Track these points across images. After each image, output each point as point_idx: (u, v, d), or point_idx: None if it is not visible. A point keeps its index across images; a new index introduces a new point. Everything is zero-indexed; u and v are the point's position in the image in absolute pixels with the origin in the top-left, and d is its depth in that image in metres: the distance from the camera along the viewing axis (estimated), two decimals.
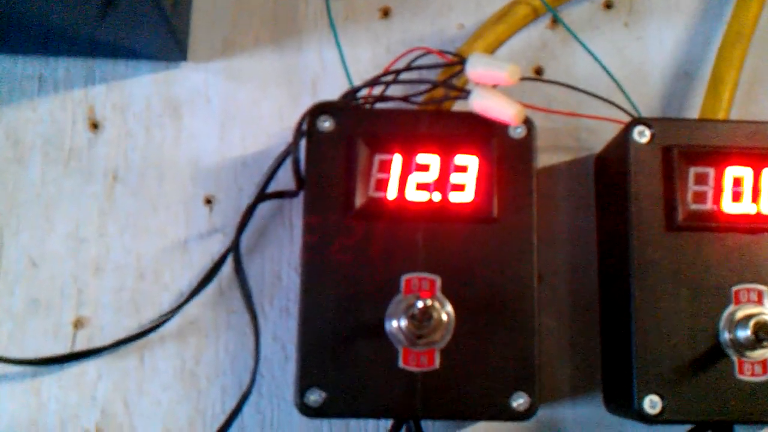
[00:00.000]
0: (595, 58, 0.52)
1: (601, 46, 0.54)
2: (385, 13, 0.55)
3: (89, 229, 0.51)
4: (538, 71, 0.54)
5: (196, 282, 0.49)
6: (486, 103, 0.44)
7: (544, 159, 0.53)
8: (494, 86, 0.46)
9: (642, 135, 0.47)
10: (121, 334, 0.49)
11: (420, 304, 0.42)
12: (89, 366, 0.49)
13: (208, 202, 0.51)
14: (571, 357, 0.51)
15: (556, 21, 0.54)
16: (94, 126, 0.52)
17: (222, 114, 0.53)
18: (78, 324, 0.50)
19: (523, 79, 0.50)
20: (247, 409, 0.48)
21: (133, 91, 0.53)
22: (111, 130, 0.52)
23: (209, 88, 0.53)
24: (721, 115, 0.50)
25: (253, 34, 0.54)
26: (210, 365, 0.49)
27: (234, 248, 0.48)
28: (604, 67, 0.51)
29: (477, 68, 0.45)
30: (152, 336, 0.49)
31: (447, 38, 0.54)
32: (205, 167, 0.52)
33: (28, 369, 0.48)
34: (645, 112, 0.53)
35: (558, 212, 0.52)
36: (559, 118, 0.52)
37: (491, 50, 0.51)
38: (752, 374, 0.44)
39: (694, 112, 0.53)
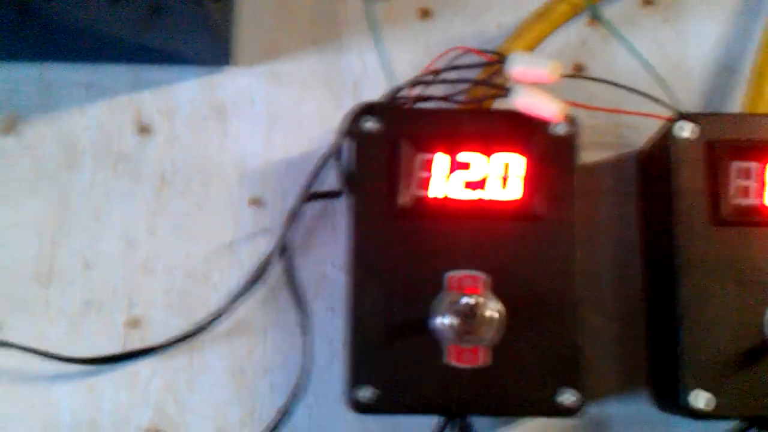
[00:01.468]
0: (636, 53, 0.52)
1: (641, 43, 0.54)
2: (425, 13, 0.55)
3: (139, 231, 0.52)
4: (579, 69, 0.54)
5: (244, 282, 0.50)
6: (528, 101, 0.45)
7: (586, 156, 0.53)
8: (535, 84, 0.46)
9: (685, 130, 0.47)
10: (172, 334, 0.50)
11: (466, 301, 0.42)
12: (142, 365, 0.50)
13: (254, 203, 0.52)
14: (617, 354, 0.51)
15: (594, 18, 0.55)
16: (142, 130, 0.53)
17: (266, 117, 0.54)
18: (130, 324, 0.51)
19: (564, 76, 0.50)
20: (301, 406, 0.49)
21: (179, 96, 0.54)
22: (158, 134, 0.53)
23: (253, 91, 0.54)
24: (763, 110, 0.50)
25: (295, 37, 0.55)
26: (259, 364, 0.50)
27: (282, 247, 0.49)
28: (645, 61, 0.51)
29: (518, 66, 0.45)
30: (202, 335, 0.50)
31: (486, 38, 0.54)
32: (250, 169, 0.53)
33: (83, 368, 0.50)
34: (686, 108, 0.53)
35: (602, 209, 0.52)
36: (600, 114, 0.52)
37: (530, 48, 0.51)
38: None
39: (735, 107, 0.53)
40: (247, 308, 0.51)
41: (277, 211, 0.52)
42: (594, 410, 0.50)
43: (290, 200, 0.51)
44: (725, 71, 0.54)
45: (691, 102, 0.54)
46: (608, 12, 0.55)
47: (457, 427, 0.46)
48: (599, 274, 0.51)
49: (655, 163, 0.50)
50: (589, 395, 0.47)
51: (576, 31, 0.55)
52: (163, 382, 0.50)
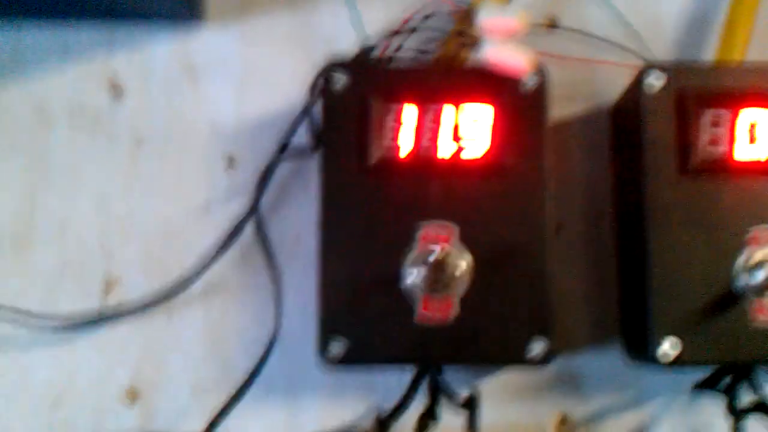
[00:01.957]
0: (609, 4, 0.51)
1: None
2: None
3: (114, 193, 0.52)
4: (552, 21, 0.54)
5: (220, 242, 0.50)
6: (497, 52, 0.45)
7: (559, 110, 0.53)
8: (505, 36, 0.46)
9: (656, 79, 0.47)
10: (150, 295, 0.51)
11: (436, 252, 0.43)
12: (120, 327, 0.51)
13: (230, 163, 0.52)
14: (589, 307, 0.51)
15: None
16: (116, 91, 0.53)
17: (239, 76, 0.53)
18: (107, 285, 0.51)
19: (536, 26, 0.50)
20: (272, 364, 0.50)
21: (152, 56, 0.53)
22: (132, 95, 0.53)
23: (226, 50, 0.54)
24: (736, 58, 0.50)
25: None
26: (234, 323, 0.51)
27: (254, 209, 0.49)
28: (618, 12, 0.51)
29: (487, 16, 0.45)
30: (179, 298, 0.51)
31: None
32: (224, 129, 0.53)
33: (62, 331, 0.50)
34: (661, 58, 0.53)
35: (575, 162, 0.52)
36: (574, 68, 0.52)
37: (504, 1, 0.51)
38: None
39: (709, 58, 0.53)
40: (222, 269, 0.51)
41: (251, 171, 0.52)
42: (565, 364, 0.50)
43: (265, 160, 0.51)
44: (699, 22, 0.54)
45: (665, 53, 0.53)
46: None
47: (429, 378, 0.46)
48: (572, 226, 0.52)
49: (625, 115, 0.50)
50: (560, 347, 0.48)
51: None
52: (140, 343, 0.51)
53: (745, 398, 0.46)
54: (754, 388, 0.46)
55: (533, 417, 0.50)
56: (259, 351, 0.49)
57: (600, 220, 0.52)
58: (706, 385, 0.47)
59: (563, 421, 0.50)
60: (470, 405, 0.43)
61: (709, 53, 0.53)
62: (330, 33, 0.54)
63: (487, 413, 0.49)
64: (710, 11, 0.54)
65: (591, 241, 0.52)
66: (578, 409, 0.50)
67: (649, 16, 0.54)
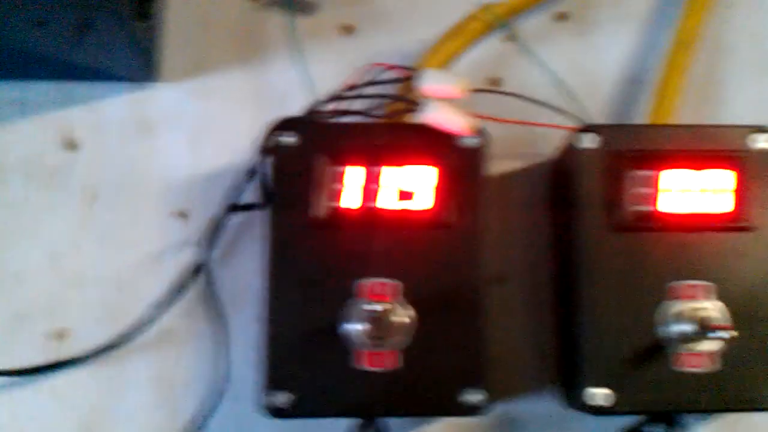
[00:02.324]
0: (546, 67, 0.54)
1: (556, 56, 0.57)
2: (347, 29, 0.57)
3: (68, 244, 0.53)
4: (495, 82, 0.57)
5: (170, 293, 0.52)
6: (436, 115, 0.47)
7: (502, 165, 0.55)
8: (446, 99, 0.48)
9: (587, 141, 0.49)
10: (102, 344, 0.52)
11: (373, 308, 0.45)
12: (71, 375, 0.52)
13: (182, 215, 0.54)
14: (530, 355, 0.53)
15: (513, 31, 0.57)
16: (71, 145, 0.55)
17: (192, 131, 0.55)
18: (58, 336, 0.52)
19: (479, 90, 0.53)
20: (222, 412, 0.51)
21: (108, 112, 0.55)
22: (86, 149, 0.55)
23: (180, 106, 0.56)
24: (667, 119, 0.53)
25: (221, 53, 0.56)
26: (186, 372, 0.52)
27: (204, 261, 0.51)
28: (554, 76, 0.54)
29: (427, 82, 0.47)
30: (130, 346, 0.52)
31: (407, 53, 0.56)
32: (176, 183, 0.55)
33: (10, 380, 0.51)
34: (598, 118, 0.56)
35: (515, 216, 0.55)
36: (516, 126, 0.54)
37: (445, 64, 0.54)
38: (691, 366, 0.47)
39: (642, 118, 0.56)
40: (174, 318, 0.52)
41: (202, 223, 0.53)
42: (507, 409, 0.52)
43: (215, 213, 0.53)
44: (635, 83, 0.57)
45: (602, 113, 0.56)
46: (524, 27, 0.57)
47: (373, 428, 0.48)
48: (514, 278, 0.54)
49: (561, 172, 0.52)
50: (499, 394, 0.50)
51: (493, 46, 0.57)
52: (89, 392, 0.52)
53: None
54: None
55: None
56: (209, 399, 0.50)
57: (540, 271, 0.54)
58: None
59: None
60: None
61: (642, 112, 0.56)
62: (281, 92, 0.56)
63: None
64: (644, 72, 0.57)
65: (533, 291, 0.54)
66: None
67: (587, 76, 0.57)
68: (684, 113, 0.55)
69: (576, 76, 0.56)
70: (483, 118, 0.51)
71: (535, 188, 0.55)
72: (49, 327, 0.52)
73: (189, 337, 0.52)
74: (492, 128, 0.51)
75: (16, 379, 0.51)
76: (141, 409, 0.51)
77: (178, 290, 0.51)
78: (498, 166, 0.55)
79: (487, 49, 0.57)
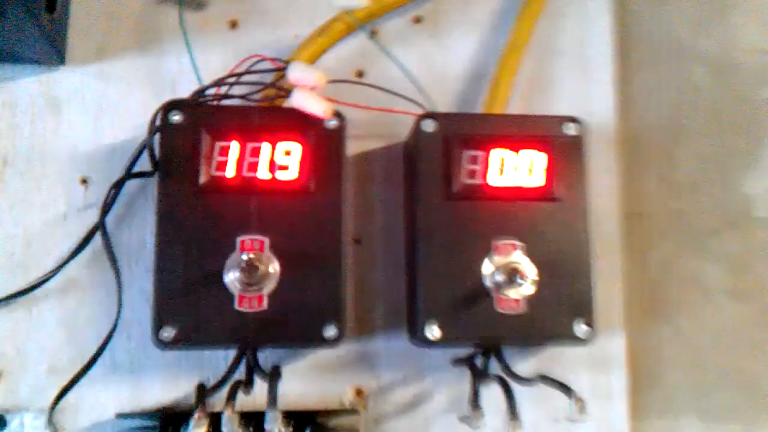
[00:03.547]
0: (399, 64, 0.65)
1: (413, 53, 0.67)
2: (233, 24, 0.66)
3: None
4: (360, 74, 0.67)
5: (74, 247, 0.60)
6: (300, 101, 0.57)
7: (365, 145, 0.65)
8: (313, 88, 0.58)
9: (429, 126, 0.60)
10: (12, 291, 0.60)
11: (247, 258, 0.54)
12: None
13: (84, 182, 0.62)
14: (385, 301, 0.63)
15: (375, 32, 0.67)
16: None
17: (96, 109, 0.64)
18: None
19: (339, 81, 0.63)
20: (118, 349, 0.60)
21: (20, 91, 0.63)
22: (2, 123, 0.62)
23: (84, 87, 0.64)
24: (498, 110, 0.64)
25: (123, 42, 0.65)
26: (88, 313, 0.60)
27: (100, 222, 0.59)
28: (406, 71, 0.64)
29: (293, 74, 0.57)
30: (38, 292, 0.60)
31: (285, 46, 0.66)
32: (82, 153, 0.63)
33: None
34: (444, 108, 0.66)
35: (375, 188, 0.65)
36: (378, 112, 0.64)
37: (315, 58, 0.63)
38: (508, 308, 0.58)
39: (481, 108, 0.67)
40: (77, 270, 0.61)
41: (103, 189, 0.61)
42: (363, 346, 0.63)
43: (114, 180, 0.61)
44: (475, 78, 0.68)
45: (448, 103, 0.67)
46: (385, 28, 0.68)
47: (249, 357, 0.57)
48: (372, 239, 0.64)
49: (409, 151, 0.63)
50: (357, 333, 0.60)
51: (359, 42, 0.67)
52: (4, 332, 0.60)
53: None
54: (501, 362, 0.59)
55: (335, 389, 0.62)
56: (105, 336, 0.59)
57: (395, 234, 0.64)
58: (461, 360, 0.60)
59: (359, 393, 0.62)
60: (272, 377, 0.55)
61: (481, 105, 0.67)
62: (173, 77, 0.65)
63: (296, 386, 0.61)
64: (485, 68, 0.68)
65: (388, 250, 0.64)
66: (372, 382, 0.63)
67: (438, 71, 0.67)
68: (516, 105, 0.67)
69: (429, 71, 0.67)
70: (346, 105, 0.61)
71: (392, 165, 0.65)
72: None
73: (90, 286, 0.61)
74: (356, 114, 0.61)
75: None
76: (49, 347, 0.60)
77: (80, 246, 0.60)
78: (362, 145, 0.65)
79: (354, 45, 0.67)
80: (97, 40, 0.65)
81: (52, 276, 0.60)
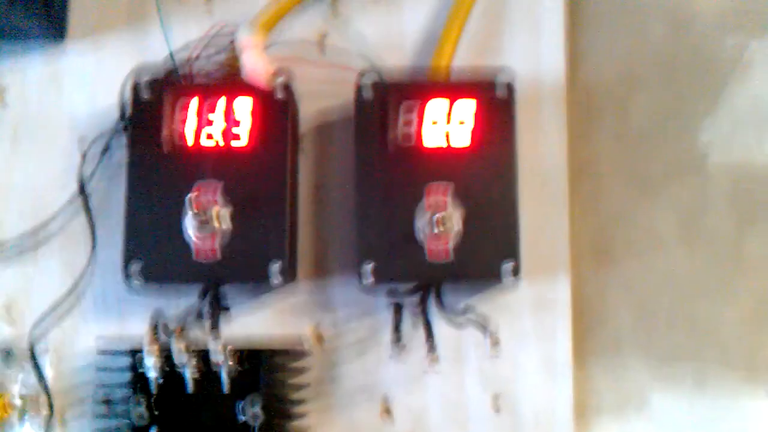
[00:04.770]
0: (350, 31, 0.71)
1: (372, 21, 0.73)
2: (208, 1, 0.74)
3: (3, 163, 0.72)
4: (322, 37, 0.73)
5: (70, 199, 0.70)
6: (248, 61, 0.64)
7: (324, 102, 0.72)
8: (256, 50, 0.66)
9: (368, 79, 0.66)
10: (22, 237, 0.71)
11: (201, 203, 0.62)
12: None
13: (81, 141, 0.72)
14: (341, 245, 0.70)
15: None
16: (2, 90, 0.73)
17: (92, 79, 0.73)
18: None
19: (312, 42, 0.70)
20: (109, 290, 0.70)
21: (27, 64, 0.73)
22: (13, 93, 0.73)
23: (82, 60, 0.73)
24: (443, 66, 0.69)
25: (115, 19, 0.74)
26: (84, 260, 0.70)
27: (79, 174, 0.69)
28: (360, 36, 0.71)
29: (239, 37, 0.65)
30: (43, 240, 0.71)
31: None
32: (79, 117, 0.73)
33: None
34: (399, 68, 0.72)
35: (333, 141, 0.72)
36: (336, 72, 0.71)
37: (274, 22, 0.70)
38: (437, 255, 0.64)
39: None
40: (77, 221, 0.71)
41: (97, 148, 0.71)
42: (319, 286, 0.69)
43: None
44: (430, 41, 0.73)
45: (402, 64, 0.72)
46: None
47: (211, 294, 0.65)
48: (329, 188, 0.71)
49: (356, 105, 0.69)
50: (314, 276, 0.68)
51: (322, 9, 0.73)
52: (14, 276, 0.71)
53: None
54: (438, 298, 0.65)
55: (295, 328, 0.69)
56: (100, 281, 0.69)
57: (347, 182, 0.70)
58: (390, 293, 0.66)
59: (316, 328, 0.69)
60: (215, 308, 0.63)
61: None
62: (158, 47, 0.73)
63: (259, 326, 0.68)
64: (437, 34, 0.73)
65: (344, 196, 0.70)
66: (327, 320, 0.69)
67: (394, 37, 0.73)
68: (465, 63, 0.71)
69: (386, 37, 0.72)
70: (307, 63, 0.69)
71: (347, 120, 0.71)
72: None
73: (84, 235, 0.71)
74: (318, 74, 0.68)
75: None
76: (52, 286, 0.70)
77: (71, 199, 0.70)
78: (322, 101, 0.72)
79: (320, 12, 0.73)
80: (94, 18, 0.74)
81: (49, 223, 0.70)
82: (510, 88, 0.65)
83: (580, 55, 0.74)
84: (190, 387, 0.62)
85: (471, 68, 0.69)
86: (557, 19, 0.73)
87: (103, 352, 0.67)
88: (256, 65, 0.64)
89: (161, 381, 0.63)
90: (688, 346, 0.71)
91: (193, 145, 0.66)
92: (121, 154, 0.71)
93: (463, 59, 0.71)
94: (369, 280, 0.64)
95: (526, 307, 0.69)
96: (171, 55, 0.69)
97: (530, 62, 0.72)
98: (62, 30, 0.74)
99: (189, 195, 0.63)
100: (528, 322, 0.69)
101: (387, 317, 0.69)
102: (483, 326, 0.60)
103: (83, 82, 0.73)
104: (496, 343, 0.60)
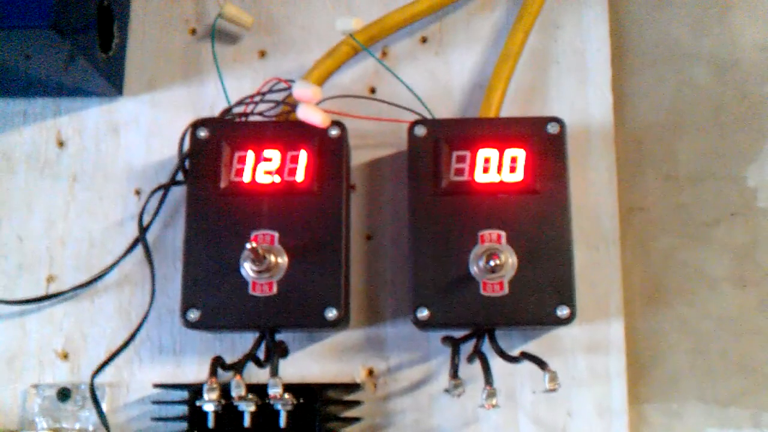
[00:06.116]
0: (401, 81, 0.73)
1: (419, 70, 0.75)
2: (262, 54, 0.77)
3: (58, 215, 0.74)
4: (372, 90, 0.75)
5: (126, 248, 0.72)
6: (303, 114, 0.66)
7: (376, 152, 0.74)
8: (317, 103, 0.67)
9: (420, 130, 0.68)
10: (79, 284, 0.72)
11: (254, 249, 0.63)
12: (57, 307, 0.72)
13: (137, 193, 0.74)
14: (394, 290, 0.71)
15: (386, 52, 0.75)
16: (60, 144, 0.75)
17: (147, 131, 0.75)
18: (50, 279, 0.72)
19: (351, 96, 0.72)
20: (164, 334, 0.70)
21: (87, 118, 0.76)
22: (72, 146, 0.75)
23: (139, 113, 0.76)
24: (491, 115, 0.70)
25: (169, 74, 0.76)
26: (138, 304, 0.71)
27: (139, 223, 0.70)
28: (408, 86, 0.72)
29: (295, 90, 0.66)
30: (99, 285, 0.72)
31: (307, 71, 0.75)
32: (135, 169, 0.74)
33: (16, 309, 0.72)
34: (447, 116, 0.73)
35: (384, 189, 0.73)
36: (388, 123, 0.72)
37: (324, 77, 0.72)
38: (492, 291, 0.64)
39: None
40: (130, 266, 0.72)
41: (154, 198, 0.73)
42: (375, 331, 0.70)
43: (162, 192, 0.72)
44: (479, 88, 0.74)
45: (452, 112, 0.74)
46: (395, 48, 0.76)
47: (267, 339, 0.66)
48: (382, 234, 0.72)
49: (409, 155, 0.70)
50: (369, 322, 0.69)
51: (372, 62, 0.75)
52: (70, 319, 0.72)
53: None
54: (493, 343, 0.65)
55: (348, 370, 0.70)
56: (156, 323, 0.70)
57: (401, 230, 0.72)
58: (446, 338, 0.66)
59: (370, 372, 0.70)
60: (274, 348, 0.63)
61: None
62: (213, 100, 0.75)
63: (314, 367, 0.69)
64: (484, 82, 0.74)
65: (395, 245, 0.72)
66: (381, 363, 0.70)
67: (442, 85, 0.75)
68: (513, 112, 0.73)
69: (434, 86, 0.74)
70: (357, 117, 0.70)
71: (399, 169, 0.73)
72: (43, 273, 0.73)
73: (140, 280, 0.72)
74: (368, 125, 0.71)
75: (23, 306, 0.72)
76: (108, 331, 0.71)
77: (131, 246, 0.71)
78: (373, 151, 0.73)
79: (367, 65, 0.76)
80: (149, 74, 0.77)
81: (109, 271, 0.72)
82: (562, 127, 0.67)
83: (626, 99, 0.75)
84: (247, 421, 0.63)
85: (519, 117, 0.70)
86: (604, 63, 0.74)
87: (161, 386, 0.67)
88: (310, 119, 0.66)
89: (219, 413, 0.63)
90: (745, 389, 0.70)
91: (250, 191, 0.67)
92: (173, 204, 0.73)
93: (510, 108, 0.73)
94: (424, 318, 0.64)
95: (580, 350, 0.69)
96: (228, 102, 0.71)
97: (578, 107, 0.74)
98: (119, 85, 0.76)
99: (247, 245, 0.64)
100: (582, 365, 0.69)
101: (440, 360, 0.69)
102: (541, 361, 0.61)
103: (139, 133, 0.76)
104: (553, 377, 0.60)
